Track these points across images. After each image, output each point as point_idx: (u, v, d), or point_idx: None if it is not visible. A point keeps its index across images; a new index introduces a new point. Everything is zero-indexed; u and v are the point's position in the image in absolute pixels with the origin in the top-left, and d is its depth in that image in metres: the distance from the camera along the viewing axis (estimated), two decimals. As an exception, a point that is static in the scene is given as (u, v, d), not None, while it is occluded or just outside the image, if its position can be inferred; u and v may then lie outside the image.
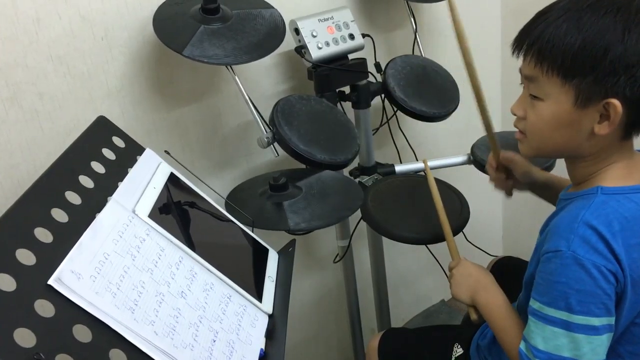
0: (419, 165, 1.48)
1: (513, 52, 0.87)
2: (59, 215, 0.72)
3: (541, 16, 0.83)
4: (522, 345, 0.84)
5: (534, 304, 0.83)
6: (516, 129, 0.93)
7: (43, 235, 0.68)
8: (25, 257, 0.64)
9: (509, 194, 1.20)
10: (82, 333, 0.63)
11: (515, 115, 0.90)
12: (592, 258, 0.77)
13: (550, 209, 0.99)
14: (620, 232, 0.78)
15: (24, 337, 0.58)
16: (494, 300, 0.97)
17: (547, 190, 1.13)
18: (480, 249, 1.58)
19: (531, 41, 0.83)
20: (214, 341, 0.77)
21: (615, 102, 0.78)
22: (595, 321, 0.78)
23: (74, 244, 0.70)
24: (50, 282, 0.64)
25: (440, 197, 1.17)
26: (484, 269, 1.04)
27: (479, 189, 1.51)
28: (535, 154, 0.92)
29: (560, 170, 1.17)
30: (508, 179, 1.17)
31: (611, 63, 0.77)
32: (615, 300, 0.80)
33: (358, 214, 1.30)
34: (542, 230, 0.91)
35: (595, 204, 0.81)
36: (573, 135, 0.84)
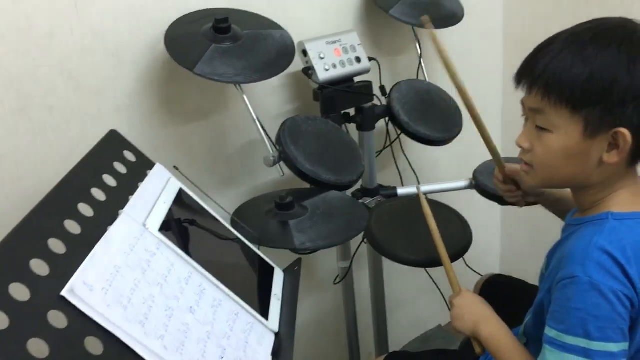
0: (422, 189, 1.48)
1: (517, 86, 0.87)
2: (72, 226, 0.73)
3: (542, 49, 0.84)
4: None
5: (550, 332, 0.82)
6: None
7: (56, 246, 0.68)
8: (39, 267, 0.65)
9: (520, 205, 1.19)
10: (94, 345, 0.63)
11: (521, 147, 0.89)
12: (608, 283, 0.77)
13: (549, 232, 0.99)
14: (633, 258, 0.79)
15: (37, 348, 0.58)
16: (497, 332, 0.95)
17: (557, 205, 1.11)
18: (478, 273, 1.58)
19: (537, 75, 0.83)
20: (222, 358, 0.76)
21: (625, 131, 0.79)
22: (614, 347, 0.77)
23: (87, 256, 0.70)
24: (63, 293, 0.64)
25: (438, 230, 1.15)
26: (483, 301, 1.02)
27: (477, 214, 1.52)
28: (543, 185, 0.91)
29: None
30: (518, 190, 1.16)
31: (619, 94, 0.78)
32: (629, 325, 0.80)
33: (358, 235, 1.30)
34: (550, 255, 0.91)
35: (608, 230, 0.81)
36: (582, 165, 0.84)
